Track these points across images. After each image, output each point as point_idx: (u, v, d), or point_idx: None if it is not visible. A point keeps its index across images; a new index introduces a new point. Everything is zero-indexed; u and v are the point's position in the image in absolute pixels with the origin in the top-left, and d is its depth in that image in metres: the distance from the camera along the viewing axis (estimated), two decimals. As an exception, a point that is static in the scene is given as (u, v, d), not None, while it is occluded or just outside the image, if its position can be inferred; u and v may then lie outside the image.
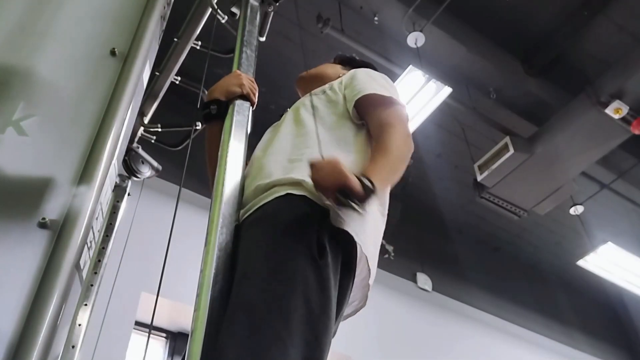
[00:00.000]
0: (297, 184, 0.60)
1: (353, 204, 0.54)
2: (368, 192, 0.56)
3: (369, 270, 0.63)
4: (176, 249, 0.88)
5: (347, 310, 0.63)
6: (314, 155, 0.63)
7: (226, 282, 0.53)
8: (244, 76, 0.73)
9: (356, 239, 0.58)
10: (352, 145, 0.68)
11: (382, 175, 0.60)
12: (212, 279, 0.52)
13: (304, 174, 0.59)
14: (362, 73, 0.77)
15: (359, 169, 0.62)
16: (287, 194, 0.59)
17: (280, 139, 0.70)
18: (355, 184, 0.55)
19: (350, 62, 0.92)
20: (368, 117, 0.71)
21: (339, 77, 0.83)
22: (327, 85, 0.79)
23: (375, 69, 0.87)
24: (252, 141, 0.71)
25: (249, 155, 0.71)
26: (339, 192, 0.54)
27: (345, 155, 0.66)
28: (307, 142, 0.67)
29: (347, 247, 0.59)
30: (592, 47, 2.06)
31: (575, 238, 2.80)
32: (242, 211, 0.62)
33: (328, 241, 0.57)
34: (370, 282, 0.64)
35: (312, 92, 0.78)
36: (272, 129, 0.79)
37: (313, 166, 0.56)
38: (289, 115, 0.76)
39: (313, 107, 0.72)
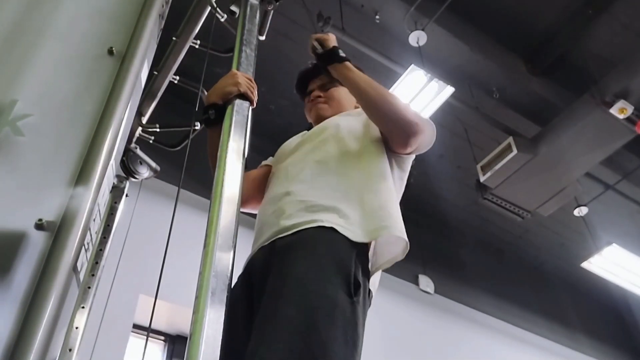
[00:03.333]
0: (345, 218, 0.62)
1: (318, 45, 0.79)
2: (335, 50, 0.76)
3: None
4: (175, 250, 0.87)
5: None
6: (361, 194, 0.66)
7: (227, 286, 0.52)
8: (240, 74, 0.72)
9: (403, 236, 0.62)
10: (389, 176, 0.71)
11: (360, 73, 0.75)
12: (211, 281, 0.52)
13: (352, 213, 0.63)
14: None
15: (394, 197, 0.68)
16: (331, 227, 0.61)
17: (326, 161, 0.71)
18: (333, 39, 0.79)
19: None
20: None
21: (355, 106, 0.86)
22: (354, 114, 0.81)
23: None
24: (252, 141, 0.70)
25: (250, 159, 0.71)
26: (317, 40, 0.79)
27: (388, 184, 0.69)
28: (354, 176, 0.68)
29: (369, 281, 0.62)
30: (596, 46, 2.04)
31: (579, 240, 2.78)
32: (277, 228, 0.63)
33: (361, 279, 0.59)
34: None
35: (343, 114, 0.80)
36: (303, 138, 0.79)
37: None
38: (330, 135, 0.75)
39: (352, 131, 0.75)
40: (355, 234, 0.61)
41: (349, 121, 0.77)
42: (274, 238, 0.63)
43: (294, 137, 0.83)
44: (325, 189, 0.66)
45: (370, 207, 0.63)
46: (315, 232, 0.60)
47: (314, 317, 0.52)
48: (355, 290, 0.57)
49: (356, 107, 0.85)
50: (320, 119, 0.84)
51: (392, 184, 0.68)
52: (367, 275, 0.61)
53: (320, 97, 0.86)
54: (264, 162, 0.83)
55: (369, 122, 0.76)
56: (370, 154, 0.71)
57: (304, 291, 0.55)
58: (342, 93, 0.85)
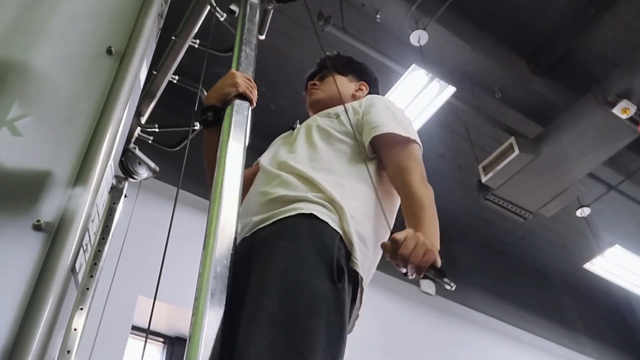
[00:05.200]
0: (322, 205, 0.61)
1: (444, 283, 0.54)
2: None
3: (360, 301, 0.64)
4: (174, 251, 0.87)
5: None
6: (331, 182, 0.64)
7: (226, 287, 0.52)
8: (238, 74, 0.71)
9: (363, 275, 0.61)
10: (369, 179, 0.69)
11: (434, 234, 0.61)
12: (210, 282, 0.51)
13: (324, 197, 0.62)
14: (380, 104, 0.77)
15: (374, 202, 0.66)
16: (311, 214, 0.60)
17: (298, 155, 0.70)
18: (439, 261, 0.55)
19: (354, 70, 0.91)
20: (384, 154, 0.72)
21: (353, 94, 0.86)
22: (340, 108, 0.78)
23: (372, 75, 0.90)
24: (252, 141, 0.70)
25: (250, 159, 0.70)
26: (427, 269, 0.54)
27: (365, 188, 0.68)
28: (322, 166, 0.67)
29: (356, 275, 0.61)
30: (599, 45, 2.03)
31: (581, 241, 2.77)
32: (256, 219, 0.63)
33: (345, 265, 0.58)
34: (360, 312, 0.66)
35: (326, 113, 0.79)
36: (282, 141, 0.79)
37: (396, 241, 0.54)
38: (301, 133, 0.76)
39: (326, 131, 0.74)
40: (335, 224, 0.60)
41: (326, 122, 0.76)
42: (255, 229, 0.63)
43: (280, 136, 0.84)
44: (299, 185, 0.65)
45: (352, 228, 0.61)
46: (295, 220, 0.60)
47: (295, 308, 0.52)
48: (339, 276, 0.56)
49: (353, 95, 0.86)
50: (313, 103, 0.86)
51: (366, 188, 0.67)
52: (350, 264, 0.60)
53: (315, 84, 0.88)
54: (257, 160, 0.84)
55: (356, 126, 0.74)
56: (338, 156, 0.70)
57: (285, 281, 0.54)
58: (337, 79, 0.86)
